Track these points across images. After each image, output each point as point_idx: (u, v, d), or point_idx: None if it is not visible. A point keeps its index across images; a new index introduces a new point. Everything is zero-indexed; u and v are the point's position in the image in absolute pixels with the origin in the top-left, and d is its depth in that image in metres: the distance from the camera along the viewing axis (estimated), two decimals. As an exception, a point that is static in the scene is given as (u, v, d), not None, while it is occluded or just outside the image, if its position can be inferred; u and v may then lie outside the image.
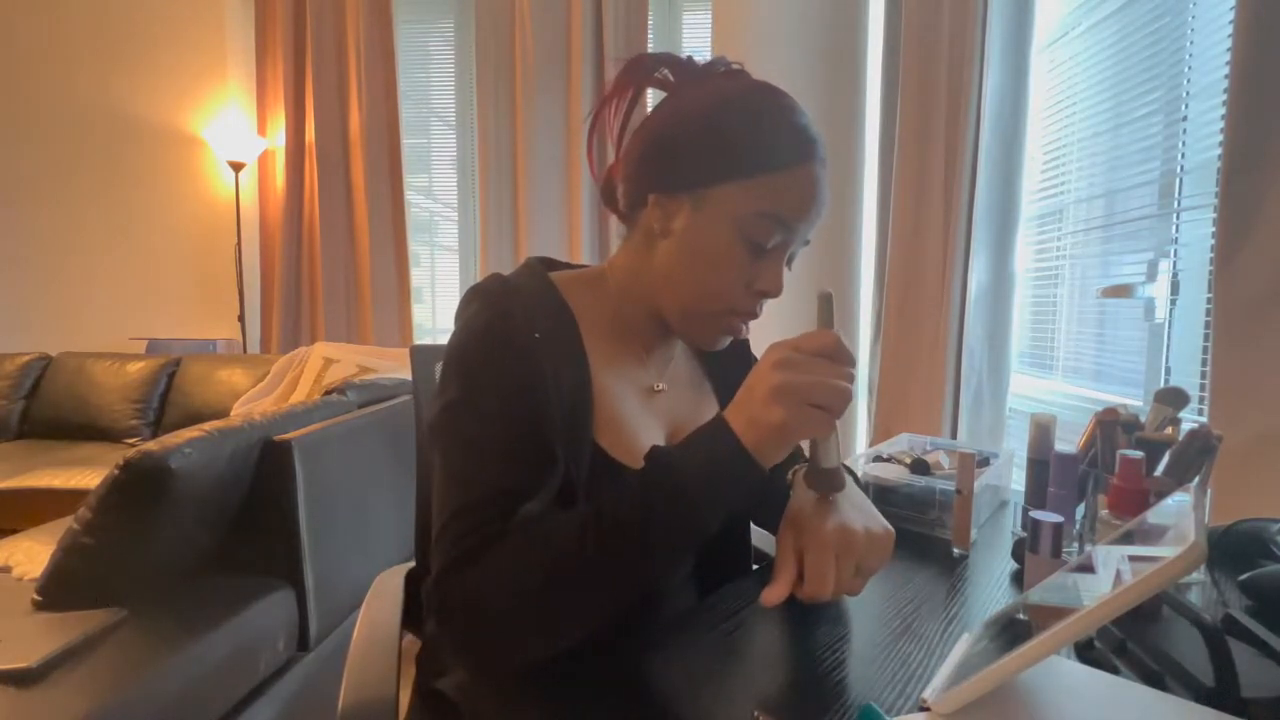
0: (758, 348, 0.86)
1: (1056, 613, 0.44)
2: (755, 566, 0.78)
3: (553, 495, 0.55)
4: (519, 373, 0.56)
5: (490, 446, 0.54)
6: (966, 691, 0.43)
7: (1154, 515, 0.53)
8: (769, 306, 0.64)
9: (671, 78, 0.66)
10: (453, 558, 0.50)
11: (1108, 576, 0.45)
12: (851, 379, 0.49)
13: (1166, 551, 0.39)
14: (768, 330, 0.67)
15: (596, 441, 0.60)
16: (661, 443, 0.64)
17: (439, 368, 0.60)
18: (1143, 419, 0.75)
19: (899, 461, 0.95)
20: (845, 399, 0.48)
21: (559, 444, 0.56)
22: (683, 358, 0.75)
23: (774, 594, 0.52)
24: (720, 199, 0.58)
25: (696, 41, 2.97)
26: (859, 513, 0.58)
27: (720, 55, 0.66)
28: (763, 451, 0.49)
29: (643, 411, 0.66)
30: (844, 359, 0.49)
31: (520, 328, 0.57)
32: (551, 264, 0.71)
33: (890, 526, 0.59)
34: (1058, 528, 0.62)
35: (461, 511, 0.52)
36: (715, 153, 0.58)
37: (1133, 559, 0.45)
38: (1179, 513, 0.49)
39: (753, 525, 0.81)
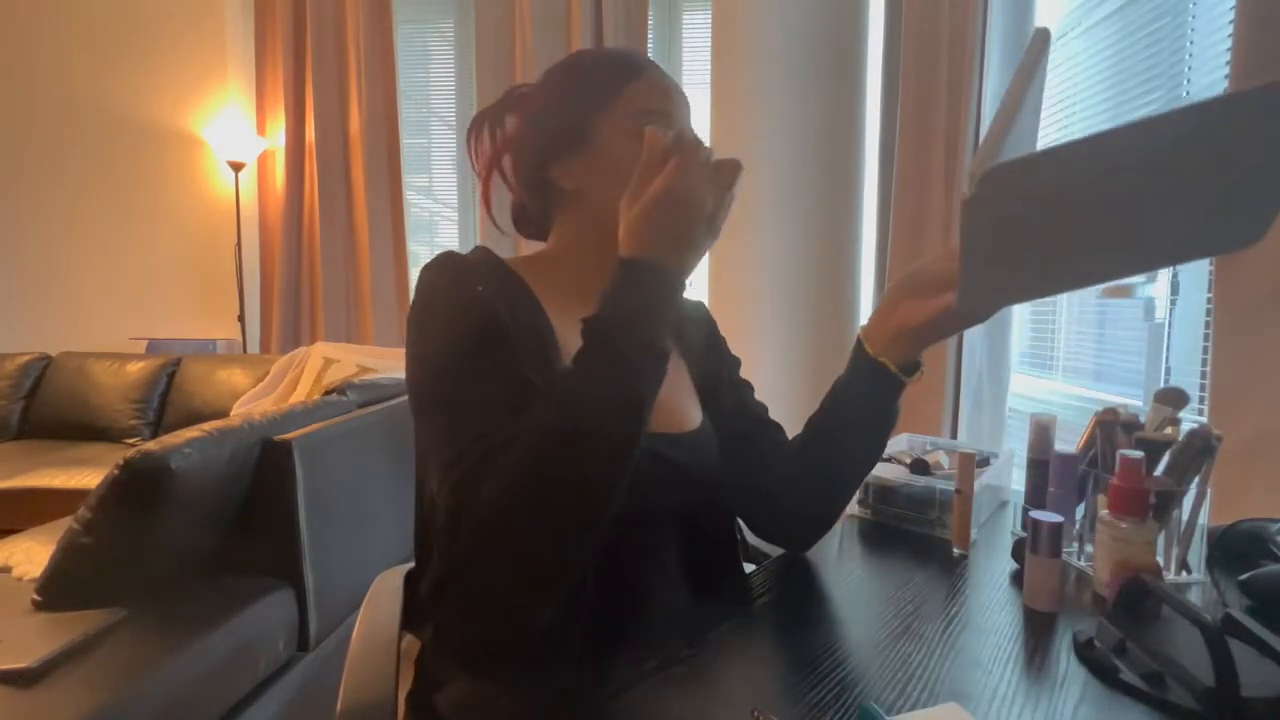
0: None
1: None
2: (754, 567, 0.78)
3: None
4: (474, 308, 0.57)
5: (469, 376, 0.55)
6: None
7: None
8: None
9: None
10: (469, 468, 0.50)
11: None
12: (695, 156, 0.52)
13: None
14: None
15: None
16: None
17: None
18: (1143, 419, 0.75)
19: (899, 461, 0.95)
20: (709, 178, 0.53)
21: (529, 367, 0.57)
22: None
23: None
24: (601, 129, 0.65)
25: (696, 41, 2.96)
26: None
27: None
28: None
29: None
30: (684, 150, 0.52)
31: (467, 279, 0.59)
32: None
33: None
34: (1058, 528, 0.62)
35: (462, 441, 0.52)
36: (573, 102, 0.66)
37: None
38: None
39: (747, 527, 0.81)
